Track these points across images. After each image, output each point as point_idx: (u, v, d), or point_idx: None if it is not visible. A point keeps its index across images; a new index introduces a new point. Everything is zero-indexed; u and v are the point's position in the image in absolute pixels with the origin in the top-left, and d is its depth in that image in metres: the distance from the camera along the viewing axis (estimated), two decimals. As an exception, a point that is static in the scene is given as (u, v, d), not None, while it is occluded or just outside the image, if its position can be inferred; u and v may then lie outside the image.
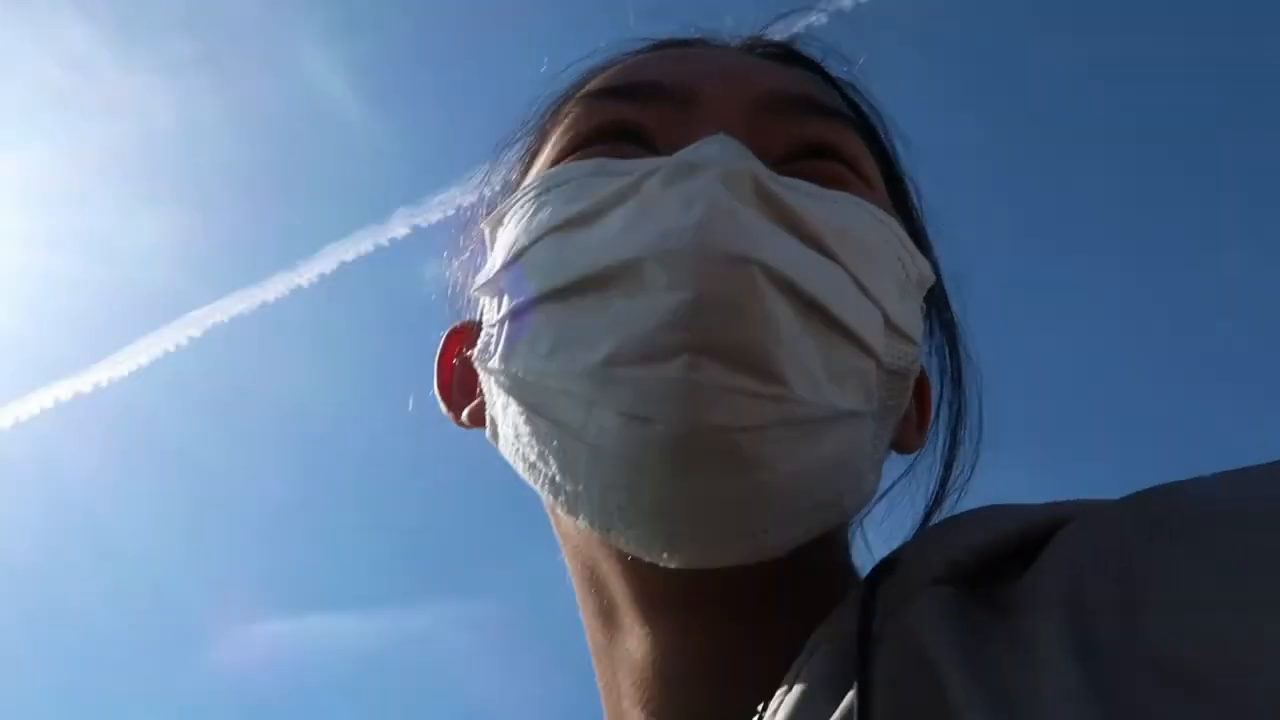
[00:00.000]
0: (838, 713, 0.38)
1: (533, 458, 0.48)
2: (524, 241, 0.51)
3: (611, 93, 0.56)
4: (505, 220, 0.55)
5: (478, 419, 0.58)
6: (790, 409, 0.42)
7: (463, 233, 0.69)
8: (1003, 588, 0.40)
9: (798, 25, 0.66)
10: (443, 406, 0.62)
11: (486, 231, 0.58)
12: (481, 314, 0.57)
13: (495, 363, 0.51)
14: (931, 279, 0.54)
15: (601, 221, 0.48)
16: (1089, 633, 0.34)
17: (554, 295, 0.48)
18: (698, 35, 0.65)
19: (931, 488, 0.63)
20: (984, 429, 0.65)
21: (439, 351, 0.64)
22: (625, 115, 0.55)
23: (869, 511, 0.62)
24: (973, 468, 0.65)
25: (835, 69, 0.63)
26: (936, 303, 0.63)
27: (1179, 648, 0.32)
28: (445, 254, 0.70)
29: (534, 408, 0.48)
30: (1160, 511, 0.37)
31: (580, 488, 0.45)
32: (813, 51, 0.63)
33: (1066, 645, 0.34)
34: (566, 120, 0.57)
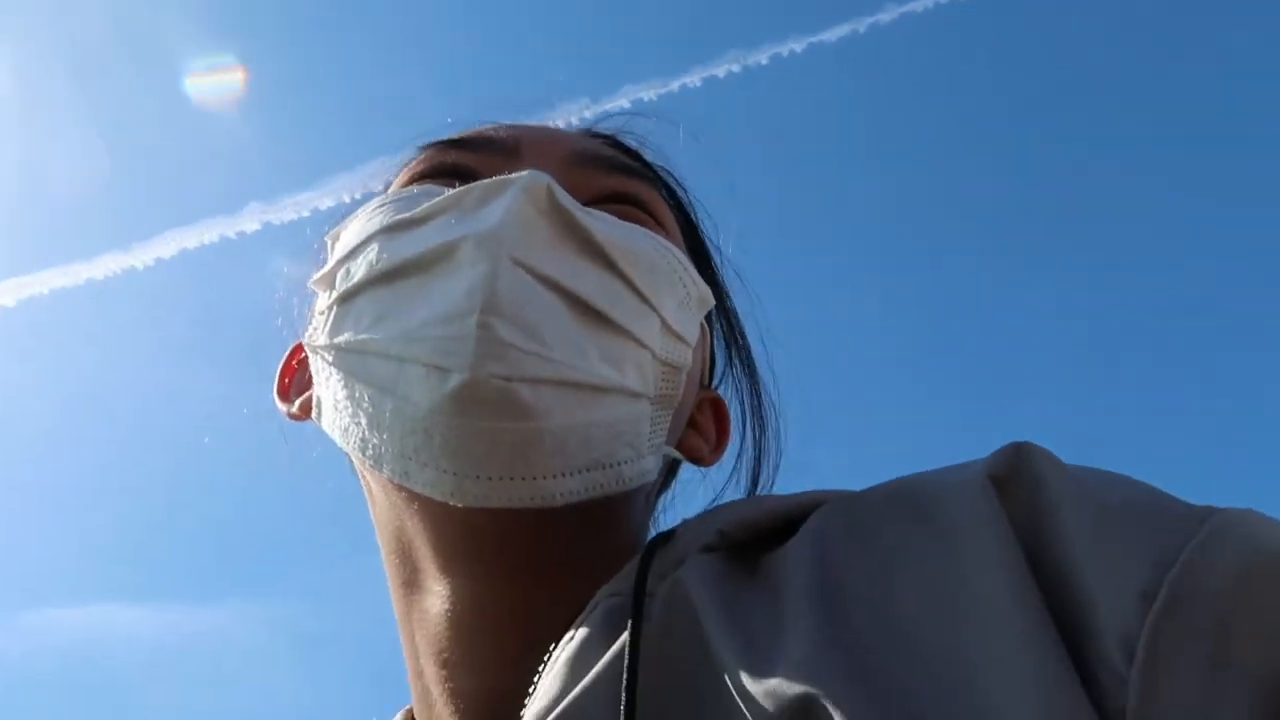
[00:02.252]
0: (610, 652, 0.44)
1: (347, 421, 0.55)
2: (355, 241, 0.59)
3: (448, 143, 0.66)
4: (342, 232, 0.63)
5: (306, 408, 0.63)
6: (562, 371, 0.50)
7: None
8: (766, 555, 0.47)
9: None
10: (279, 405, 0.68)
11: (328, 244, 0.65)
12: (314, 306, 0.64)
13: (322, 339, 0.58)
14: (711, 301, 0.64)
15: (426, 225, 0.56)
16: (831, 586, 0.41)
17: (379, 279, 0.55)
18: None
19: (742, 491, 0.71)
20: (784, 450, 0.74)
21: (282, 361, 0.70)
22: (457, 159, 0.64)
23: (668, 496, 0.70)
24: (773, 480, 0.72)
25: (631, 140, 0.73)
26: (735, 339, 0.74)
27: (897, 604, 0.38)
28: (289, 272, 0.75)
29: (352, 372, 0.55)
30: (894, 493, 0.45)
31: (384, 437, 0.52)
32: (614, 127, 0.74)
33: (811, 596, 0.41)
34: (407, 167, 0.67)
